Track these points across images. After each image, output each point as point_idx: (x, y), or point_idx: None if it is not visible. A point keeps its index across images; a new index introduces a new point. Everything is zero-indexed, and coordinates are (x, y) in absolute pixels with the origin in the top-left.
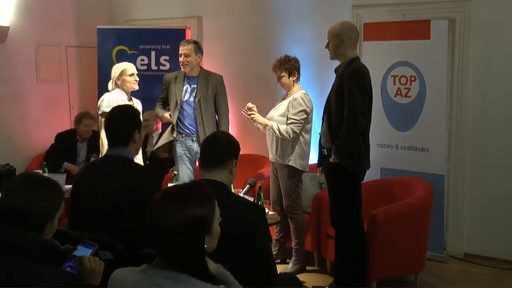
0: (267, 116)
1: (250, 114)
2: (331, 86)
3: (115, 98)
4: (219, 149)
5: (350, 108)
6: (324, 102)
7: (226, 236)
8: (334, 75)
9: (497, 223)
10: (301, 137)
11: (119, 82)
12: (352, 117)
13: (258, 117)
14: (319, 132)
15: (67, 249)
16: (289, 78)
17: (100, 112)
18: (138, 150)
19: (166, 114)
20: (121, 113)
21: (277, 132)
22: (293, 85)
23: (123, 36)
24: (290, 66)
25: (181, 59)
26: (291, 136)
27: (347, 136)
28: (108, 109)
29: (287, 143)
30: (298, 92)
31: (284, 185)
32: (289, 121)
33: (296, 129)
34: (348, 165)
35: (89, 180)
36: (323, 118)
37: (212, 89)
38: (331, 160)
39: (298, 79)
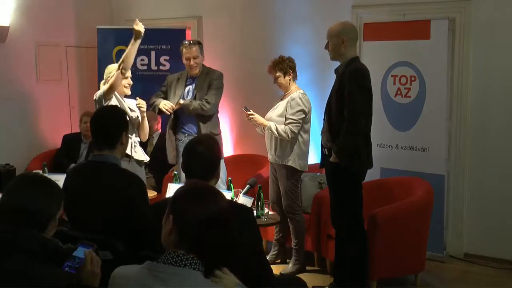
0: (265, 117)
1: (249, 115)
2: (331, 86)
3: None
4: (206, 164)
5: (351, 108)
6: (324, 102)
7: None
8: (334, 75)
9: (497, 223)
10: (300, 137)
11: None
12: (352, 117)
13: (257, 117)
14: (321, 132)
15: (68, 248)
16: (284, 77)
17: None
18: (124, 152)
19: (166, 102)
20: (109, 113)
21: (276, 132)
22: (289, 85)
23: (123, 36)
24: (284, 65)
25: (190, 62)
26: (290, 136)
27: (347, 135)
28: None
29: (286, 143)
30: (296, 92)
31: (283, 186)
32: (287, 121)
33: (295, 129)
34: (348, 165)
35: (78, 188)
36: (324, 119)
37: (208, 86)
38: (331, 159)
39: (294, 78)
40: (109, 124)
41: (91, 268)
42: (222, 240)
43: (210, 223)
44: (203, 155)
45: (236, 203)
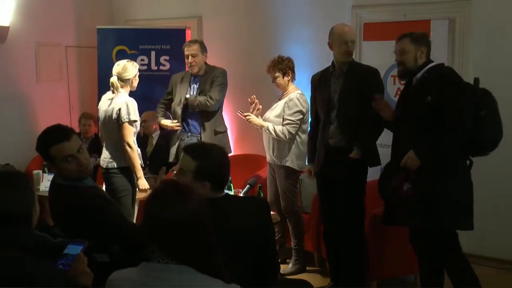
0: (263, 117)
1: (246, 116)
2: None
3: (135, 103)
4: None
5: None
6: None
7: (240, 230)
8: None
9: (496, 223)
10: (297, 138)
11: (134, 83)
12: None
13: (253, 118)
14: (324, 133)
15: (59, 242)
16: (283, 78)
17: (127, 120)
18: (73, 173)
19: (165, 122)
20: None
21: (273, 133)
22: (288, 85)
23: (123, 36)
24: (283, 66)
25: (188, 60)
26: (287, 137)
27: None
28: (136, 117)
29: (283, 143)
30: (294, 93)
31: (281, 186)
32: (285, 122)
33: (292, 130)
34: (370, 161)
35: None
36: (331, 119)
37: (211, 83)
38: (353, 156)
39: (293, 78)
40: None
41: (82, 267)
42: (189, 243)
43: (172, 226)
44: (227, 159)
45: (248, 197)
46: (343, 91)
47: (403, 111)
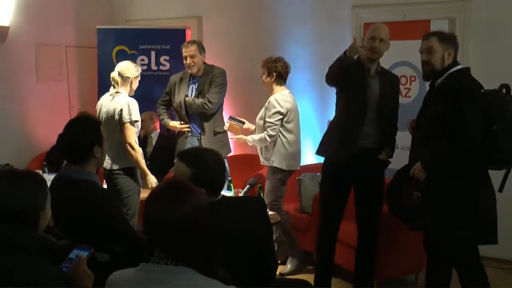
0: (255, 121)
1: (237, 139)
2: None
3: (136, 103)
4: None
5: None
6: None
7: (239, 230)
8: None
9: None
10: (282, 138)
11: (133, 85)
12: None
13: (238, 139)
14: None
15: (63, 244)
16: (266, 77)
17: (129, 120)
18: (100, 164)
19: (173, 123)
20: (80, 125)
21: (255, 143)
22: (272, 86)
23: (123, 36)
24: (271, 66)
25: (187, 61)
26: (269, 139)
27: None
28: (138, 117)
29: (269, 145)
30: (274, 95)
31: (267, 184)
32: (266, 125)
33: (272, 132)
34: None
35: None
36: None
37: (209, 84)
38: (383, 157)
39: (277, 82)
40: (80, 138)
41: (83, 268)
42: (188, 244)
43: (171, 226)
44: (223, 164)
45: (246, 197)
46: (384, 92)
47: (419, 117)
